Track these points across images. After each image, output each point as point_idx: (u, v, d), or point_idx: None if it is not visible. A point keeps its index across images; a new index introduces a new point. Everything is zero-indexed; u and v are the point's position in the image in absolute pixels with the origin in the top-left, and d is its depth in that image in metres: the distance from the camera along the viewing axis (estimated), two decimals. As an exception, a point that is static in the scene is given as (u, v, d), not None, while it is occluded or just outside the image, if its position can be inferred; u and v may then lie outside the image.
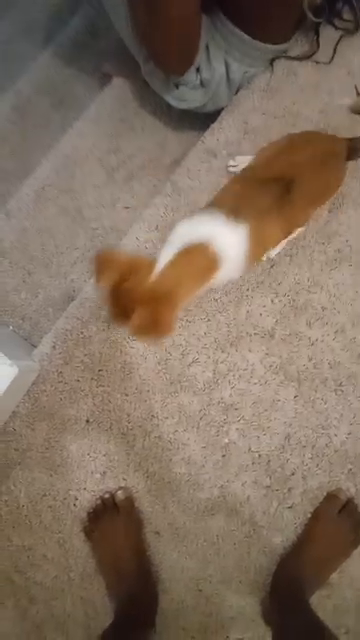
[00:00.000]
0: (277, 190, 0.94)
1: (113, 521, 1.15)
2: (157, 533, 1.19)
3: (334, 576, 1.14)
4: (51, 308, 1.50)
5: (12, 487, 1.19)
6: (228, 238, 0.88)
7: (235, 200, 0.95)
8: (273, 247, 1.19)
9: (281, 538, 1.20)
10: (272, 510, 1.21)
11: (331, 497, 1.18)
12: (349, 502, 1.17)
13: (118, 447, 1.22)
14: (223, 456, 1.23)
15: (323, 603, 1.13)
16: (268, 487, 1.22)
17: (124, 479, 1.21)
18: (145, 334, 0.83)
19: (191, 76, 1.34)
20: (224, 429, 1.24)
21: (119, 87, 1.61)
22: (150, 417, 1.23)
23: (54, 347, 1.27)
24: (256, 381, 1.25)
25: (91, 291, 1.30)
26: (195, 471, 1.22)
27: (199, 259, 0.87)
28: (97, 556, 1.16)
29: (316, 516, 1.18)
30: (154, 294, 0.81)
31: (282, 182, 0.94)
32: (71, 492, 1.20)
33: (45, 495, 1.19)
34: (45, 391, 1.23)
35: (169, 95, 1.42)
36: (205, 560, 1.19)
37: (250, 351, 1.25)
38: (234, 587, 1.17)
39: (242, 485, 1.22)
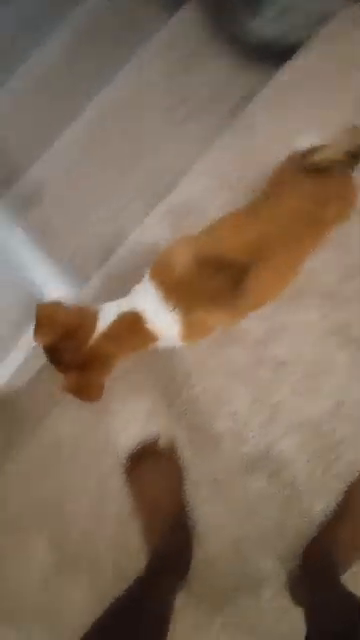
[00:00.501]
0: (226, 280, 0.84)
1: (154, 465, 1.13)
2: (197, 485, 1.17)
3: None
4: (103, 245, 1.45)
5: (56, 422, 1.19)
6: (162, 319, 0.87)
7: (178, 282, 0.87)
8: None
9: (322, 505, 1.15)
10: (316, 476, 1.16)
11: None
12: None
13: (163, 394, 1.19)
14: (271, 414, 1.17)
15: (355, 580, 1.08)
16: (314, 452, 1.16)
17: (168, 427, 1.18)
18: (75, 396, 0.86)
19: (269, 3, 1.22)
20: (275, 387, 1.18)
21: (189, 15, 1.49)
22: (199, 367, 1.19)
23: (103, 285, 1.23)
24: (312, 340, 1.18)
25: (141, 233, 1.25)
26: (240, 427, 1.18)
27: (134, 330, 0.87)
28: (135, 498, 1.14)
29: (351, 491, 1.12)
30: (87, 361, 0.85)
31: (234, 269, 0.84)
32: (113, 433, 1.18)
33: (87, 433, 1.19)
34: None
35: (245, 25, 1.30)
36: (243, 518, 1.16)
37: (309, 308, 1.18)
38: (270, 549, 1.14)
39: (288, 446, 1.17)
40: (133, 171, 1.44)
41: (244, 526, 1.15)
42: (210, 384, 1.18)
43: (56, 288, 1.14)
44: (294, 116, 1.23)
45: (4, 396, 1.16)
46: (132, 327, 0.88)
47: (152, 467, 1.13)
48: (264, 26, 1.31)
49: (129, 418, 1.19)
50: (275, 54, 1.36)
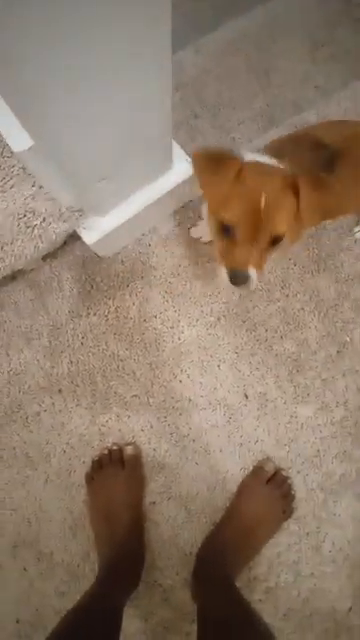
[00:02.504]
0: (318, 158, 0.80)
1: (116, 475, 1.09)
2: (246, 396, 1.16)
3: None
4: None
5: (127, 297, 1.16)
6: None
7: (279, 146, 0.85)
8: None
9: (361, 452, 1.15)
10: (366, 422, 1.16)
11: (257, 469, 1.12)
12: (277, 473, 1.11)
13: (240, 301, 1.17)
14: (338, 352, 1.17)
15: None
16: (370, 399, 1.16)
17: (234, 334, 1.17)
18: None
19: None
20: (350, 327, 1.18)
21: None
22: (283, 285, 1.18)
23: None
24: None
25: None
26: (305, 355, 1.17)
27: None
28: (91, 506, 1.10)
29: (241, 490, 1.11)
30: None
31: (327, 151, 0.80)
32: (181, 323, 1.17)
33: (155, 317, 1.16)
34: (191, 218, 1.18)
35: None
36: (281, 442, 1.16)
37: None
38: (300, 477, 1.14)
39: (345, 387, 1.16)
40: (263, 92, 1.43)
41: (281, 449, 1.15)
42: (291, 304, 1.17)
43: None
44: None
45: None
46: None
47: (113, 476, 1.09)
48: None
49: (200, 314, 1.17)
50: None
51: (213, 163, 0.74)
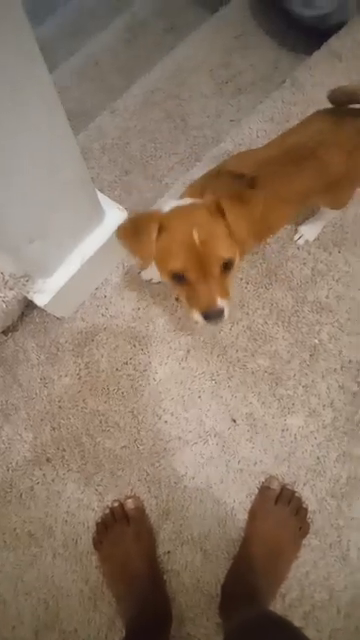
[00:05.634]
0: (236, 187, 0.85)
1: (123, 533, 1.05)
2: (234, 421, 1.15)
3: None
4: (142, 209, 1.50)
5: (95, 350, 1.17)
6: None
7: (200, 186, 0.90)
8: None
9: (360, 449, 1.13)
10: (357, 418, 1.15)
11: (263, 490, 1.10)
12: (284, 490, 1.09)
13: (205, 329, 1.19)
14: (311, 355, 1.18)
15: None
16: (354, 394, 1.16)
17: (207, 362, 1.18)
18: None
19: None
20: (315, 329, 1.19)
21: (239, 3, 1.61)
22: (241, 305, 1.20)
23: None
24: (356, 287, 1.20)
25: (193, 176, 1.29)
26: (280, 366, 1.18)
27: None
28: (106, 570, 1.06)
29: (252, 515, 1.09)
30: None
31: (246, 180, 0.86)
32: (153, 364, 1.17)
33: (126, 363, 1.17)
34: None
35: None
36: (279, 458, 1.14)
37: (354, 255, 1.21)
38: (308, 488, 1.12)
39: (327, 388, 1.17)
40: (184, 135, 1.51)
41: (281, 465, 1.13)
42: (254, 321, 1.19)
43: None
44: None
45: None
46: None
47: (120, 534, 1.06)
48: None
49: (169, 350, 1.18)
50: (318, 40, 1.46)
51: (133, 230, 0.78)
